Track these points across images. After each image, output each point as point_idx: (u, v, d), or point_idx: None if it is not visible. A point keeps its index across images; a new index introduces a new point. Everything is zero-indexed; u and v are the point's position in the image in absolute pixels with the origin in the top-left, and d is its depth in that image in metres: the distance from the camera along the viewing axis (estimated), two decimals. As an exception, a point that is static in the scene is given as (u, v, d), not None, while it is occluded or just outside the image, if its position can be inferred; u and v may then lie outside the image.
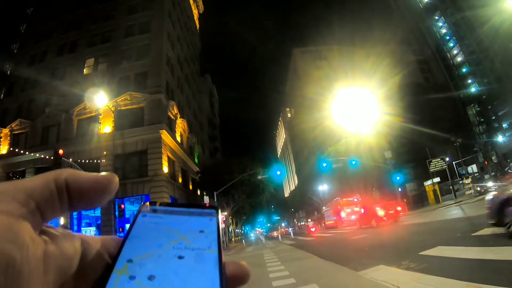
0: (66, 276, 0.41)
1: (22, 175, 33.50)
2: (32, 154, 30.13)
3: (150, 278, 0.41)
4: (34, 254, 0.36)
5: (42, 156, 28.04)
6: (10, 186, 0.39)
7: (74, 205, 0.43)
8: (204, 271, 0.43)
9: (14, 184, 0.39)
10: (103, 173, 0.46)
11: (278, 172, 37.13)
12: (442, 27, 79.58)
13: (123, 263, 0.43)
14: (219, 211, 0.53)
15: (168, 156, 33.85)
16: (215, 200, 34.31)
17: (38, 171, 32.73)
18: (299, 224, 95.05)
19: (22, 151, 30.43)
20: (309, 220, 75.41)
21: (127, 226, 23.12)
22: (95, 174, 0.45)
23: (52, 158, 20.62)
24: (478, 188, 34.00)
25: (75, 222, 31.73)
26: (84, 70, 37.99)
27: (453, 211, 21.77)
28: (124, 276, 0.41)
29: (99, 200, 0.45)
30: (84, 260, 0.44)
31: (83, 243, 0.45)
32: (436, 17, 79.98)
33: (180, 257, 0.44)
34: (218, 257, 0.45)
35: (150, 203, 0.53)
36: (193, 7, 66.83)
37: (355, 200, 42.68)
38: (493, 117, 70.18)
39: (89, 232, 31.74)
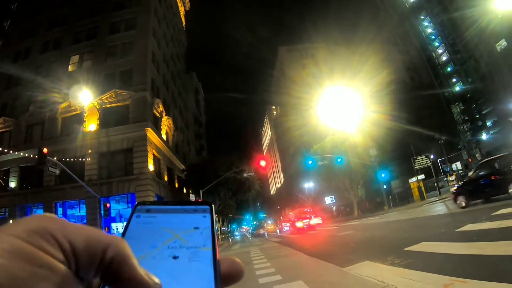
0: None
1: (6, 174, 33.13)
2: (16, 153, 29.82)
3: None
4: None
5: (26, 155, 27.69)
6: (52, 224, 0.37)
7: (102, 280, 0.41)
8: (199, 271, 0.43)
9: (58, 223, 0.38)
10: (149, 276, 0.40)
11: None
12: (427, 27, 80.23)
13: None
14: (213, 206, 0.54)
15: (153, 154, 33.74)
16: (201, 198, 34.28)
17: (23, 170, 32.42)
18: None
19: (6, 150, 30.01)
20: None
21: (113, 225, 23.03)
22: (141, 274, 0.40)
23: (36, 157, 20.39)
24: (463, 185, 34.53)
25: (59, 220, 31.39)
26: (69, 67, 37.49)
27: (438, 208, 22.12)
28: None
29: None
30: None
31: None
32: (422, 17, 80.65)
33: (174, 257, 0.44)
34: (212, 254, 0.45)
35: (144, 203, 0.52)
36: (179, 4, 66.33)
37: (307, 210, 47.60)
38: (477, 116, 71.12)
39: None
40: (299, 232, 35.03)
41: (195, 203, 0.53)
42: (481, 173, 15.54)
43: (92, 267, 0.39)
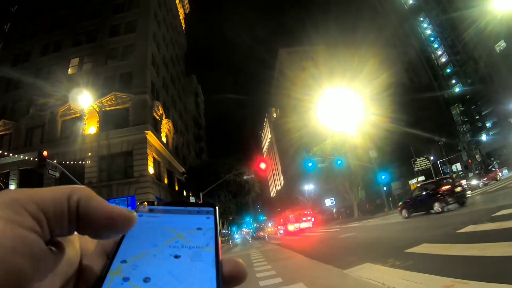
0: (66, 281, 0.40)
1: (6, 177, 33.10)
2: (16, 155, 29.73)
3: (145, 280, 0.40)
4: (45, 268, 0.36)
5: (26, 157, 27.68)
6: (21, 194, 0.38)
7: (80, 230, 0.41)
8: (201, 271, 0.42)
9: (25, 193, 0.38)
10: (121, 209, 0.43)
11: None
12: (427, 28, 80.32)
13: (117, 264, 0.42)
14: (217, 208, 0.53)
15: (153, 157, 33.72)
16: (201, 200, 34.25)
17: (22, 173, 32.43)
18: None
19: (6, 153, 29.98)
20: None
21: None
22: (111, 207, 0.42)
23: (36, 159, 20.37)
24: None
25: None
26: (69, 70, 37.49)
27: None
28: (117, 277, 0.40)
29: (107, 235, 0.43)
30: (82, 261, 0.44)
31: (81, 244, 0.44)
32: (421, 18, 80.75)
33: (176, 256, 0.44)
34: (215, 255, 0.45)
35: (148, 203, 0.53)
36: (179, 7, 66.47)
37: (308, 213, 54.93)
38: (477, 117, 71.15)
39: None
40: (291, 234, 42.12)
41: (199, 204, 0.54)
42: (417, 193, 20.49)
43: (63, 220, 0.39)
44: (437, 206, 17.61)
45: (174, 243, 0.46)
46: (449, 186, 17.80)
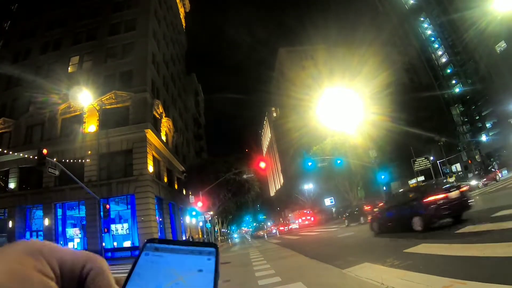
0: None
1: (5, 175, 33.12)
2: (15, 153, 29.74)
3: None
4: None
5: (26, 155, 27.70)
6: (46, 248, 0.44)
7: None
8: None
9: (50, 248, 0.45)
10: None
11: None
12: (427, 28, 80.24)
13: None
14: (218, 249, 0.55)
15: (153, 156, 33.73)
16: (200, 199, 34.27)
17: (22, 171, 32.43)
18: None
19: (5, 151, 30.00)
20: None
21: (112, 226, 23.04)
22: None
23: (36, 158, 20.38)
24: (462, 187, 34.57)
25: (59, 222, 31.41)
26: (69, 68, 37.46)
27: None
28: None
29: None
30: None
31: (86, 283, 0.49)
32: (422, 19, 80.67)
33: None
34: None
35: (153, 241, 0.56)
36: (179, 5, 66.37)
37: (307, 212, 67.56)
38: (477, 117, 71.08)
39: (73, 232, 31.49)
40: (282, 233, 55.33)
41: (201, 244, 0.56)
42: (391, 205, 16.04)
43: (73, 282, 0.46)
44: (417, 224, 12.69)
45: (175, 285, 0.48)
46: (442, 195, 12.31)
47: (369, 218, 18.51)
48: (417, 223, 12.54)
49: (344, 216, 32.88)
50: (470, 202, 12.39)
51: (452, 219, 12.44)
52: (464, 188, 12.87)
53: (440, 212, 11.93)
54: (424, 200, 12.52)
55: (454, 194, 12.23)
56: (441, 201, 12.02)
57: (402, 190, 18.44)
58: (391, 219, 15.03)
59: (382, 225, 15.81)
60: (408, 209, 13.34)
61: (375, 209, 19.60)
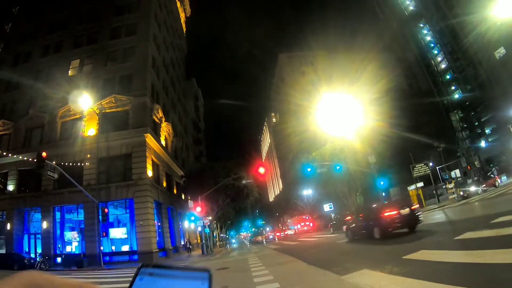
0: None
1: (4, 177, 33.07)
2: (15, 156, 29.79)
3: None
4: None
5: (25, 158, 27.70)
6: (42, 280, 0.46)
7: None
8: None
9: (46, 280, 0.46)
10: None
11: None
12: (426, 35, 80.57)
13: None
14: (212, 275, 0.57)
15: (152, 160, 33.70)
16: (199, 204, 34.19)
17: (21, 173, 32.38)
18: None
19: (4, 153, 29.97)
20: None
21: (111, 230, 22.99)
22: None
23: (35, 160, 20.37)
24: (461, 193, 34.66)
25: (58, 225, 31.34)
26: (69, 71, 37.50)
27: (437, 215, 22.10)
28: None
29: None
30: None
31: None
32: (421, 25, 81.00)
33: None
34: None
35: (147, 265, 0.57)
36: (180, 10, 66.57)
37: (306, 218, 71.08)
38: (476, 123, 71.26)
39: (72, 236, 31.42)
40: (279, 238, 59.83)
41: (195, 269, 0.57)
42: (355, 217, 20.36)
43: None
44: (376, 233, 15.94)
45: None
46: (395, 211, 15.39)
47: (344, 227, 22.10)
48: (376, 232, 15.88)
49: (330, 224, 38.66)
50: (419, 217, 15.50)
51: (407, 229, 15.58)
52: (415, 206, 16.62)
53: (393, 224, 15.11)
54: (381, 215, 15.66)
55: (404, 211, 15.42)
56: (394, 216, 15.18)
57: (366, 205, 23.77)
58: (361, 227, 18.26)
59: (354, 232, 19.24)
60: (371, 221, 16.68)
61: (348, 219, 24.11)
